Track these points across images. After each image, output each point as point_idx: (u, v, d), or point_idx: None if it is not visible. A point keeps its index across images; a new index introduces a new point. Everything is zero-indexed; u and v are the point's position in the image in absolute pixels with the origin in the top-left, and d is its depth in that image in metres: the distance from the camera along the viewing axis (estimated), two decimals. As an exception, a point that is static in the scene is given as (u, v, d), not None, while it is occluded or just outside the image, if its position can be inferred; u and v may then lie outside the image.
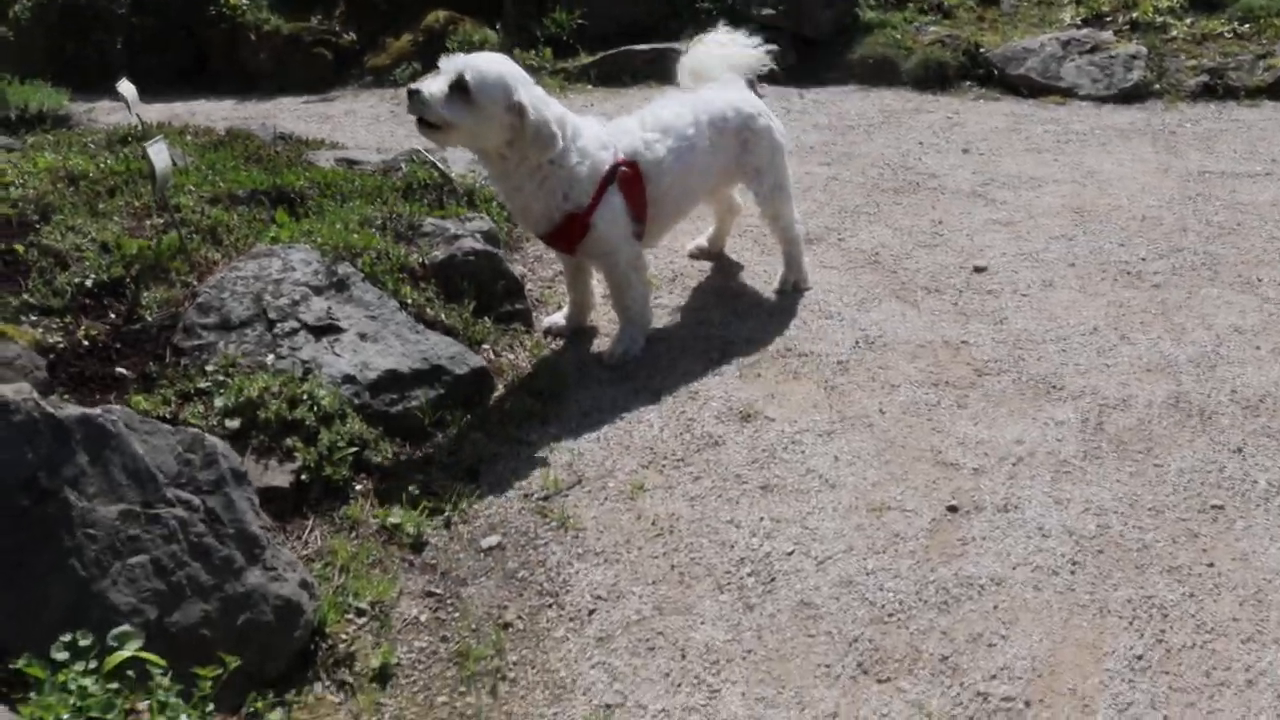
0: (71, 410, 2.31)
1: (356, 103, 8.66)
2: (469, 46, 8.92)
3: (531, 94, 3.52)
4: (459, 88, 3.40)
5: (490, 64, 3.50)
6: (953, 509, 3.10)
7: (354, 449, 3.10)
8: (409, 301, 3.77)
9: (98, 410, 2.34)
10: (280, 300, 3.50)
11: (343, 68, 9.56)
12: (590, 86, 8.98)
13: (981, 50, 8.70)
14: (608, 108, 8.16)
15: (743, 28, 4.50)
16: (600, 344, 4.11)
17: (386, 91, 8.81)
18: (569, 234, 3.73)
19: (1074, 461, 3.30)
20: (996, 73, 8.48)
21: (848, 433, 3.47)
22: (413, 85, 3.41)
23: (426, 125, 3.47)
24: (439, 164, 5.02)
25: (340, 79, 9.42)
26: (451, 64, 3.46)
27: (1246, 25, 8.58)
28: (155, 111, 7.33)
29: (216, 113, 8.49)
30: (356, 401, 3.26)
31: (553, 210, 3.67)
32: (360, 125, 7.76)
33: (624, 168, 3.76)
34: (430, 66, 9.33)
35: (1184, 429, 3.48)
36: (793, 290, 4.49)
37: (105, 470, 2.28)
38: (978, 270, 4.68)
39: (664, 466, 3.30)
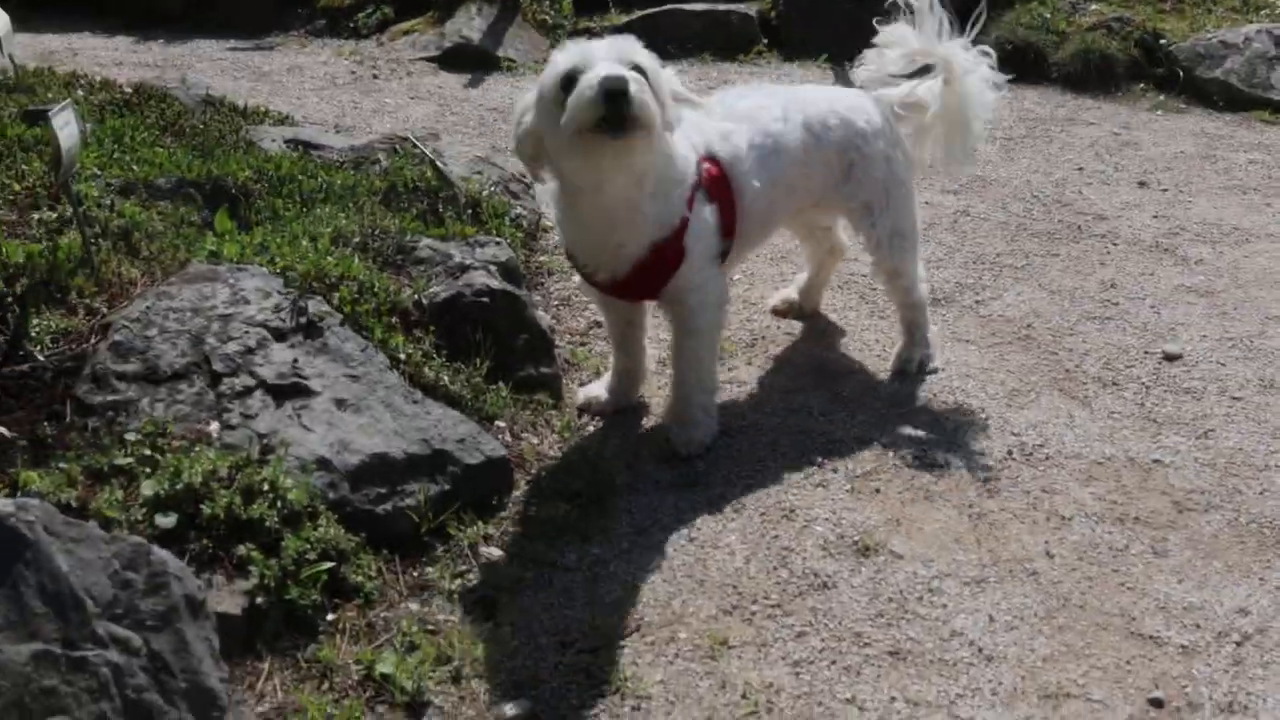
0: (-31, 501, 2.28)
1: (304, 55, 8.74)
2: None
3: None
4: (637, 71, 3.41)
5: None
6: (1157, 704, 3.07)
7: (328, 564, 3.07)
8: (402, 357, 3.77)
9: (7, 506, 2.31)
10: (229, 346, 3.48)
11: (286, 4, 9.64)
12: (624, 57, 9.06)
13: (1162, 41, 8.81)
14: (649, 89, 8.25)
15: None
16: (654, 427, 4.11)
17: (345, 43, 8.92)
18: (659, 271, 3.73)
19: (1322, 648, 3.27)
20: (1182, 74, 8.58)
21: (1004, 582, 3.45)
22: (608, 74, 3.30)
23: (616, 130, 3.37)
24: (434, 158, 5.04)
25: (282, 19, 9.49)
26: (591, 52, 3.42)
27: None
28: (23, 48, 7.34)
29: (107, 54, 8.55)
30: (332, 496, 3.24)
31: (642, 241, 3.67)
32: (310, 88, 7.81)
33: (707, 164, 3.81)
34: (408, 9, 9.48)
35: None
36: (916, 372, 4.51)
37: (15, 594, 2.25)
38: (1169, 358, 4.69)
39: (754, 614, 3.27)
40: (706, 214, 3.78)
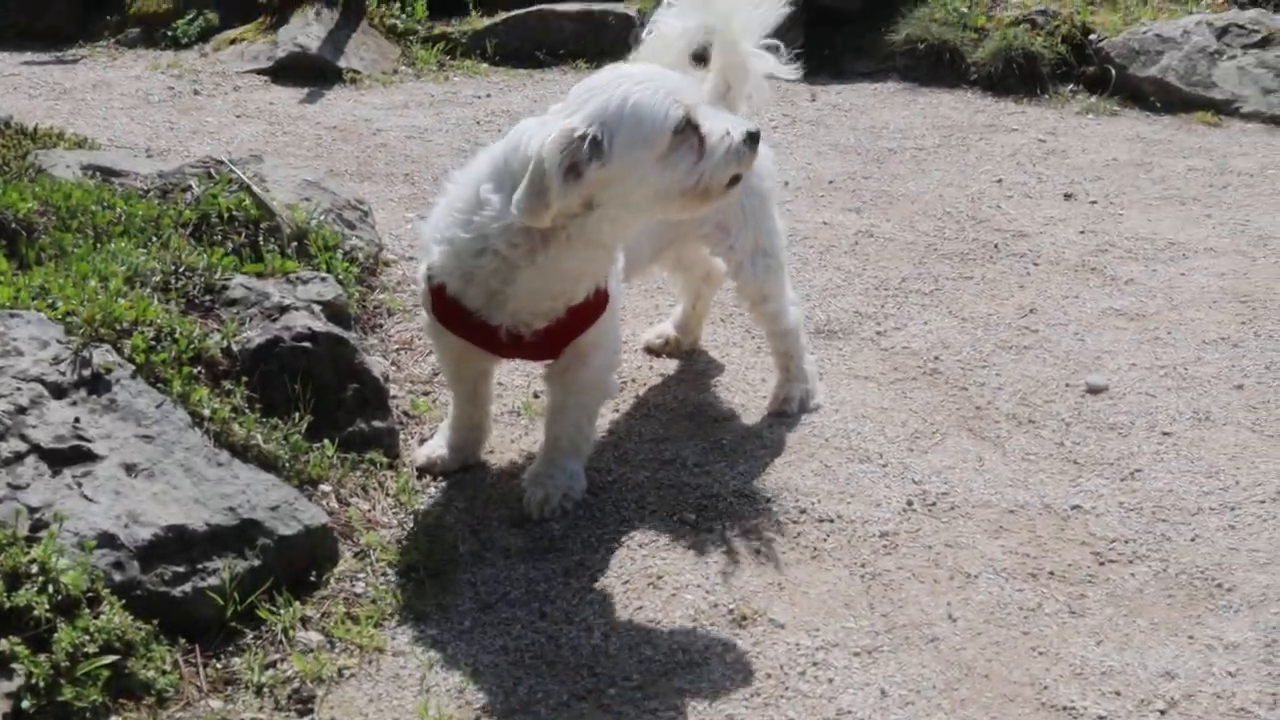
0: None
1: (113, 68, 8.66)
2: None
3: None
4: None
5: None
6: (1068, 784, 3.09)
7: (111, 657, 3.01)
8: (206, 414, 3.71)
9: None
10: (-3, 405, 3.42)
11: (93, 10, 9.56)
12: (486, 65, 9.11)
13: (1092, 37, 9.01)
14: (513, 102, 8.28)
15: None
16: (503, 486, 4.08)
17: (162, 54, 8.85)
18: (580, 324, 3.80)
19: (1257, 713, 3.32)
20: (1114, 72, 8.77)
21: (900, 651, 3.46)
22: (751, 128, 3.57)
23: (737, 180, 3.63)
24: (252, 184, 5.00)
25: (88, 28, 9.41)
26: (684, 92, 3.51)
27: None
28: None
29: None
30: (118, 577, 3.18)
31: (586, 292, 3.75)
32: (119, 107, 7.74)
33: None
34: (235, 15, 9.40)
35: None
36: (798, 411, 4.55)
37: None
38: (1093, 391, 4.76)
39: (611, 699, 3.25)
40: (620, 260, 3.88)
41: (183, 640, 3.22)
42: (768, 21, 4.31)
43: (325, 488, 3.84)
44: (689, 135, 3.45)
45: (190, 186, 5.08)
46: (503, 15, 9.45)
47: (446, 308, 3.77)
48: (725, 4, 4.22)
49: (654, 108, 3.42)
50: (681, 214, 3.73)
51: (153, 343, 3.83)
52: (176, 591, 3.26)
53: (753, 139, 3.53)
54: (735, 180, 3.58)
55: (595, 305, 3.78)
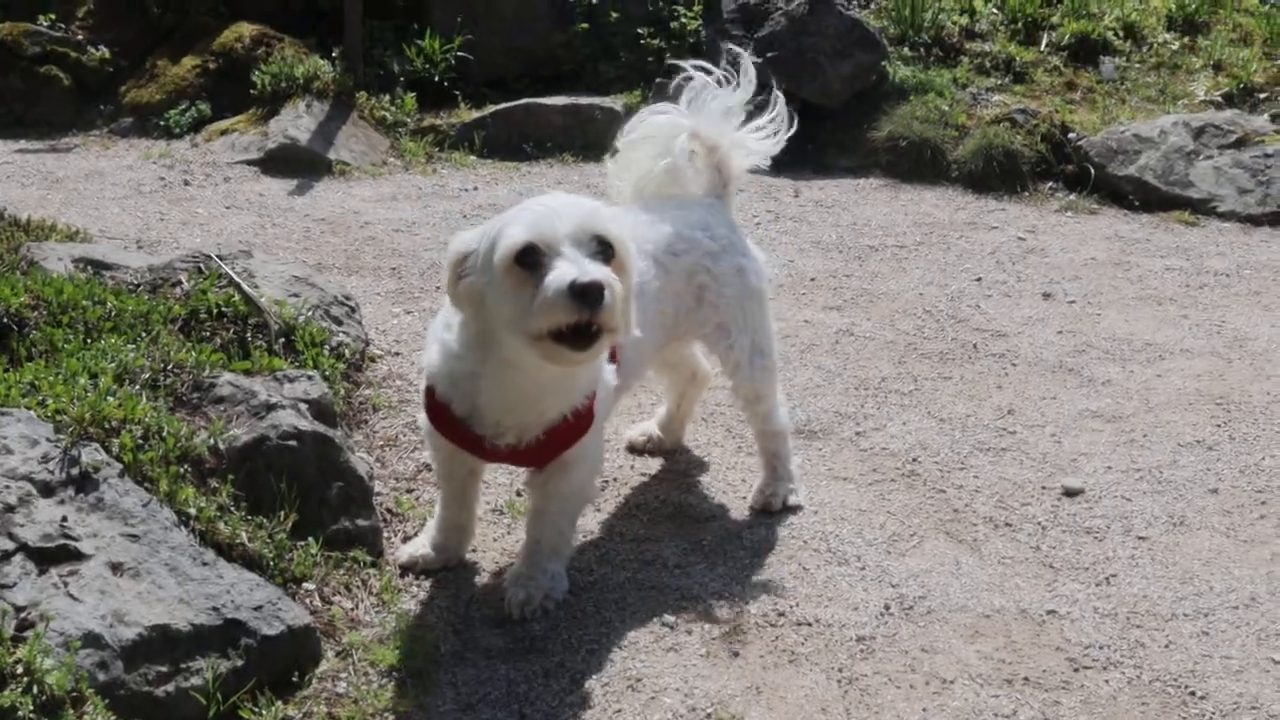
0: None
1: (106, 157, 8.74)
2: (287, 81, 9.09)
3: None
4: (603, 252, 3.49)
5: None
6: None
7: (95, 757, 3.03)
8: (192, 512, 3.74)
9: None
10: (-14, 503, 3.45)
11: (87, 100, 9.65)
12: (474, 158, 9.18)
13: (1071, 136, 9.14)
14: (499, 195, 8.35)
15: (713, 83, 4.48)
16: (485, 585, 4.11)
17: (155, 143, 8.92)
18: (568, 437, 3.83)
19: (1225, 823, 3.35)
20: (1093, 171, 8.89)
21: (876, 758, 3.49)
22: (580, 278, 3.31)
23: (583, 343, 3.43)
24: (241, 281, 5.06)
25: (82, 116, 9.50)
26: (552, 223, 3.43)
27: None
28: None
29: None
30: (102, 677, 3.19)
31: (565, 408, 3.78)
32: (110, 197, 7.80)
33: None
34: (228, 106, 9.49)
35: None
36: (780, 509, 4.60)
37: None
38: (1069, 494, 4.82)
39: (590, 804, 3.28)
40: (609, 375, 3.93)
41: (166, 741, 3.24)
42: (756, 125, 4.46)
43: (309, 586, 3.86)
44: (539, 273, 3.38)
45: (180, 281, 5.13)
46: (491, 108, 9.56)
47: (438, 410, 3.83)
48: (712, 107, 4.34)
49: (502, 238, 3.42)
50: (552, 362, 3.51)
51: (140, 441, 3.86)
52: (160, 691, 3.27)
53: (575, 291, 3.30)
54: (585, 339, 3.40)
55: (576, 427, 3.83)
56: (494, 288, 3.47)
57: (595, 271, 3.34)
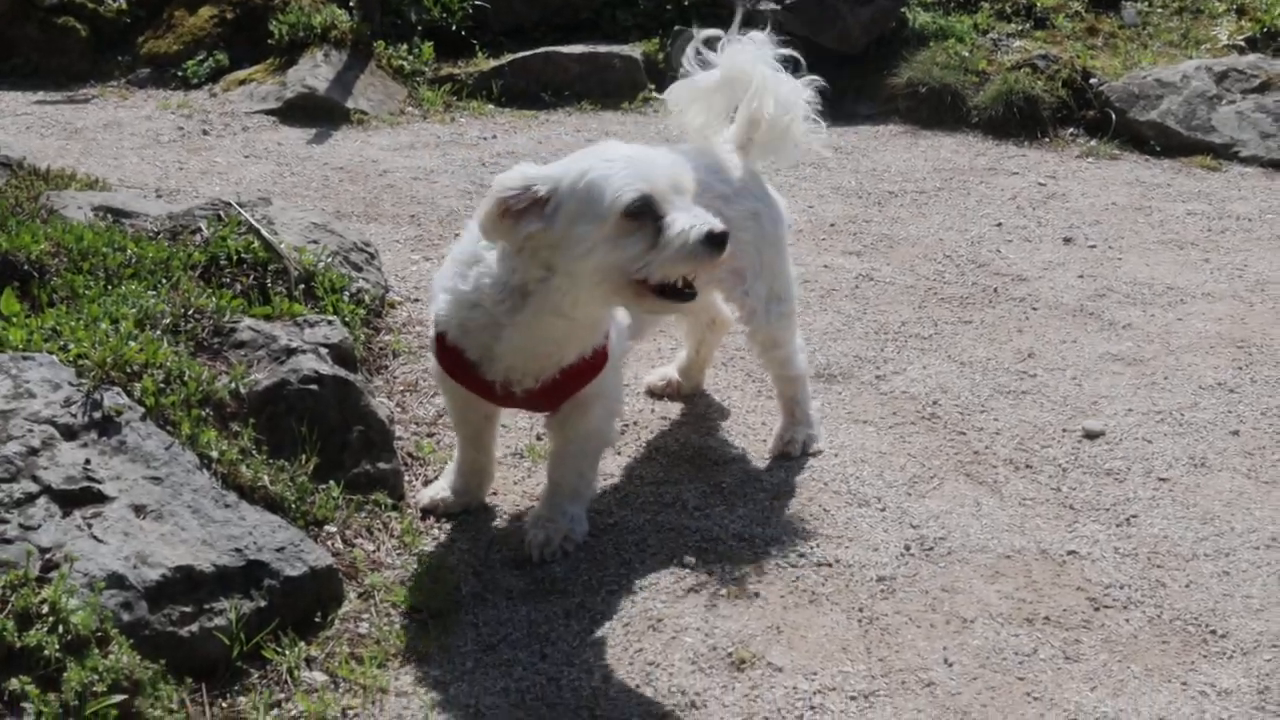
0: None
1: (124, 108, 8.73)
2: (304, 31, 9.07)
3: None
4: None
5: None
6: (1060, 829, 3.12)
7: (119, 696, 3.05)
8: (214, 455, 3.76)
9: None
10: (8, 447, 3.45)
11: (104, 50, 9.64)
12: (492, 107, 9.16)
13: (1093, 81, 9.07)
14: (518, 143, 8.34)
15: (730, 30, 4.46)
16: (505, 528, 4.13)
17: (172, 94, 8.91)
18: (581, 378, 3.85)
19: (1246, 759, 3.36)
20: (1114, 116, 8.83)
21: (896, 695, 3.49)
22: (715, 227, 3.43)
23: (687, 295, 3.53)
24: (260, 227, 5.06)
25: (99, 67, 9.49)
26: (658, 176, 3.49)
27: None
28: None
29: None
30: (126, 617, 3.21)
31: (584, 350, 3.80)
32: (129, 147, 7.80)
33: None
34: (245, 56, 9.51)
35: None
36: (800, 454, 4.61)
37: None
38: (1090, 436, 4.81)
39: (612, 741, 3.29)
40: (621, 315, 3.93)
41: (189, 680, 3.24)
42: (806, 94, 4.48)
43: (331, 529, 3.89)
44: (645, 222, 3.42)
45: (200, 229, 5.13)
46: (509, 57, 9.53)
47: (449, 356, 3.83)
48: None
49: (609, 186, 3.42)
50: (637, 308, 3.67)
51: (162, 385, 3.87)
52: (184, 631, 3.29)
53: (713, 240, 3.40)
54: (685, 294, 3.51)
55: (591, 366, 3.83)
56: (586, 238, 3.44)
57: (718, 221, 3.45)
